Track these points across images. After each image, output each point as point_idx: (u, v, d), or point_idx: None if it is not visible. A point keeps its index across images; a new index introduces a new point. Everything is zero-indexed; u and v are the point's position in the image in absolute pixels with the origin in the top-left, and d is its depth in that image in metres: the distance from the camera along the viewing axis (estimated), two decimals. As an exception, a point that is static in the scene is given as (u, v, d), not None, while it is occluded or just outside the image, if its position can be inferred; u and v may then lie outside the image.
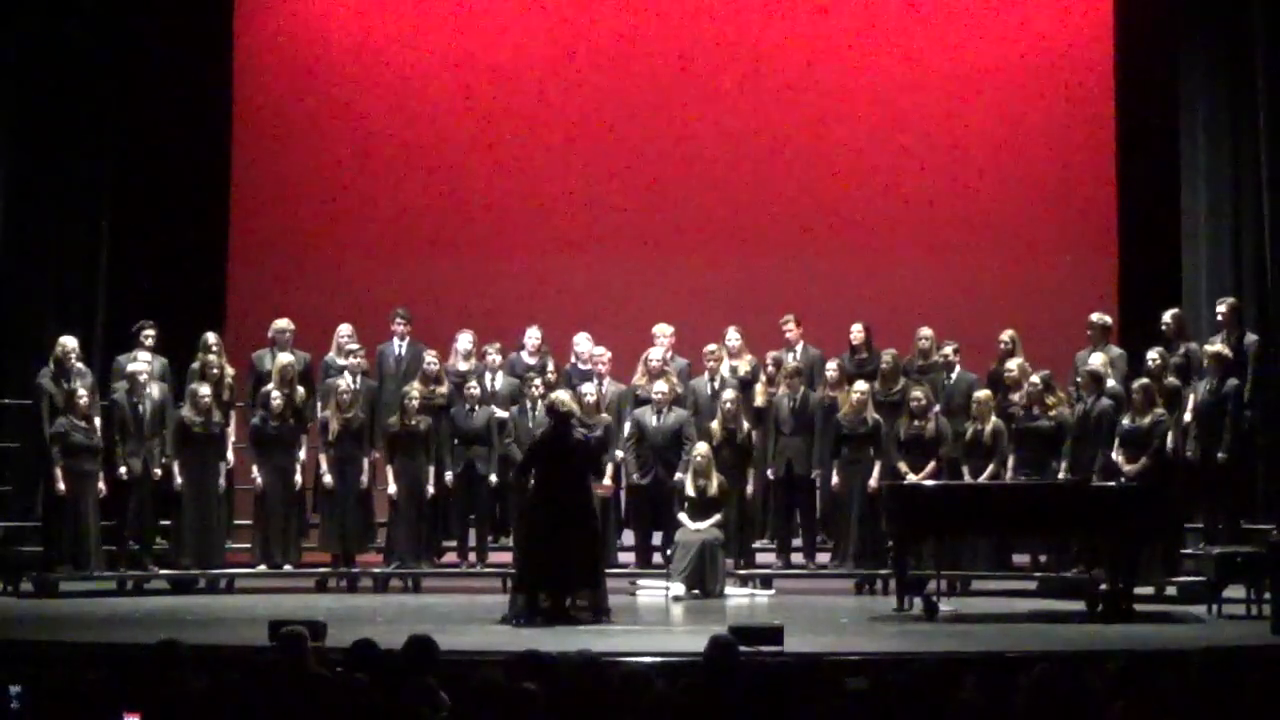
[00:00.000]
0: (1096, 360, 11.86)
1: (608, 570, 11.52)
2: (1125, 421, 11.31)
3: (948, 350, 12.41)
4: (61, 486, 11.64)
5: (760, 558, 12.46)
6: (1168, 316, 12.12)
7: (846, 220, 14.30)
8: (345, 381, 12.30)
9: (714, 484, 11.89)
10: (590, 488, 10.61)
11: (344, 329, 12.64)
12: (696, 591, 11.63)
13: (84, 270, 13.48)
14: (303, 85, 14.49)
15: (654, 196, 14.38)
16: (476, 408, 12.26)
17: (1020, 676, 5.63)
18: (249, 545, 12.38)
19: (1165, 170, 13.48)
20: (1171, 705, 5.56)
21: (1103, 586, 10.82)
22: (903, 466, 11.86)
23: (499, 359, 12.60)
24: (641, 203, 14.39)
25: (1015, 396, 11.91)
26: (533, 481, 10.59)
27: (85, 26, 13.40)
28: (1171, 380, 11.70)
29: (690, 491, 11.92)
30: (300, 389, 12.33)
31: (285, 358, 12.34)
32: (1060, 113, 14.17)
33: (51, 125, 13.29)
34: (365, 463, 12.29)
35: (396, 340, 12.84)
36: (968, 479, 11.70)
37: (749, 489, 12.22)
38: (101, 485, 11.85)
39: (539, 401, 11.96)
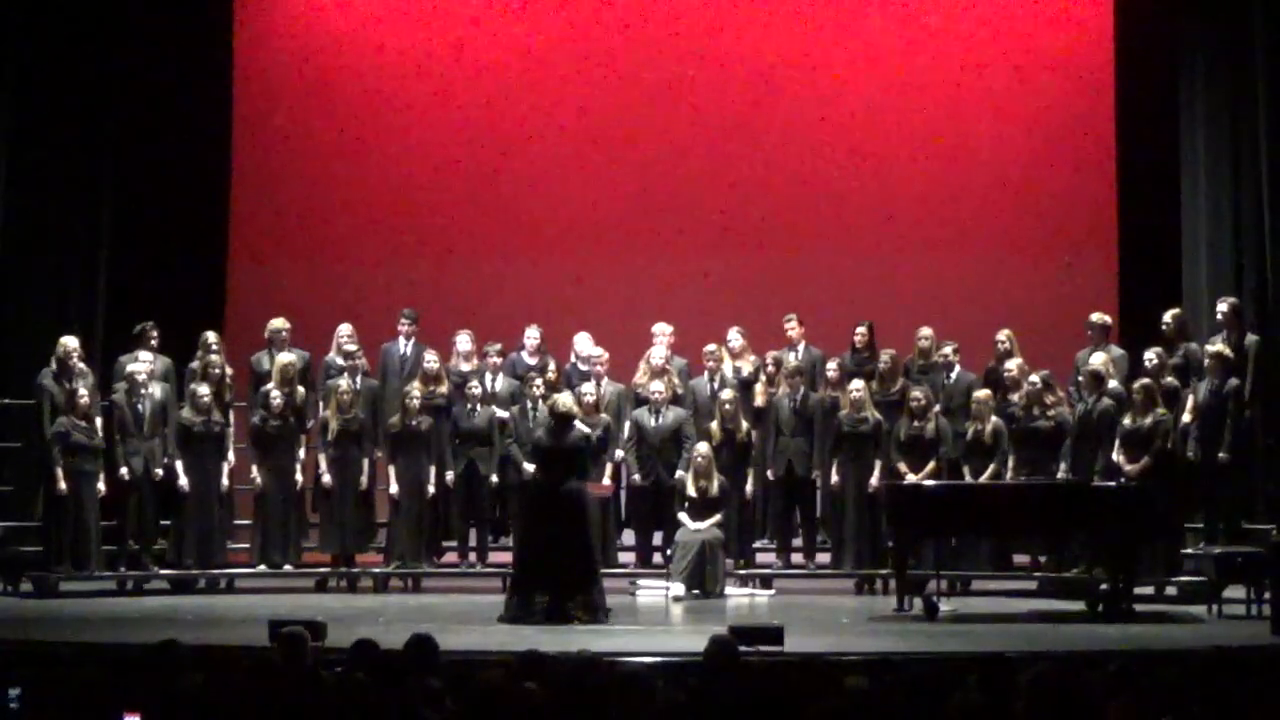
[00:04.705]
0: (1097, 360, 11.86)
1: (608, 570, 11.55)
2: (1126, 421, 11.31)
3: (948, 350, 12.41)
4: (62, 486, 11.64)
5: (760, 558, 12.46)
6: (1168, 316, 12.12)
7: (847, 220, 14.30)
8: (345, 382, 12.31)
9: (714, 485, 11.90)
10: (586, 489, 10.60)
11: (344, 329, 12.64)
12: (696, 591, 11.63)
13: (84, 270, 13.48)
14: (303, 85, 14.49)
15: (654, 196, 14.37)
16: (478, 408, 12.27)
17: (1020, 676, 5.63)
18: (249, 545, 12.39)
19: (1165, 170, 13.48)
20: (1171, 705, 5.55)
21: (1103, 586, 10.83)
22: (903, 466, 11.86)
23: (499, 359, 12.60)
24: (642, 202, 14.38)
25: (1015, 396, 11.91)
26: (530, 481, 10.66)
27: (85, 27, 13.40)
28: (1169, 380, 11.70)
29: (691, 492, 11.92)
30: (300, 389, 12.34)
31: (286, 357, 12.34)
32: (1060, 113, 14.16)
33: (51, 125, 13.30)
34: (365, 463, 12.29)
35: (401, 340, 12.84)
36: (968, 479, 11.70)
37: (749, 489, 12.22)
38: (101, 485, 11.86)
39: (540, 401, 11.97)
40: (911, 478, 11.69)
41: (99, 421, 11.90)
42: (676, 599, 11.53)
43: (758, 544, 12.48)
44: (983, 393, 11.98)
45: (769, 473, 12.25)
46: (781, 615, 10.19)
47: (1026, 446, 11.71)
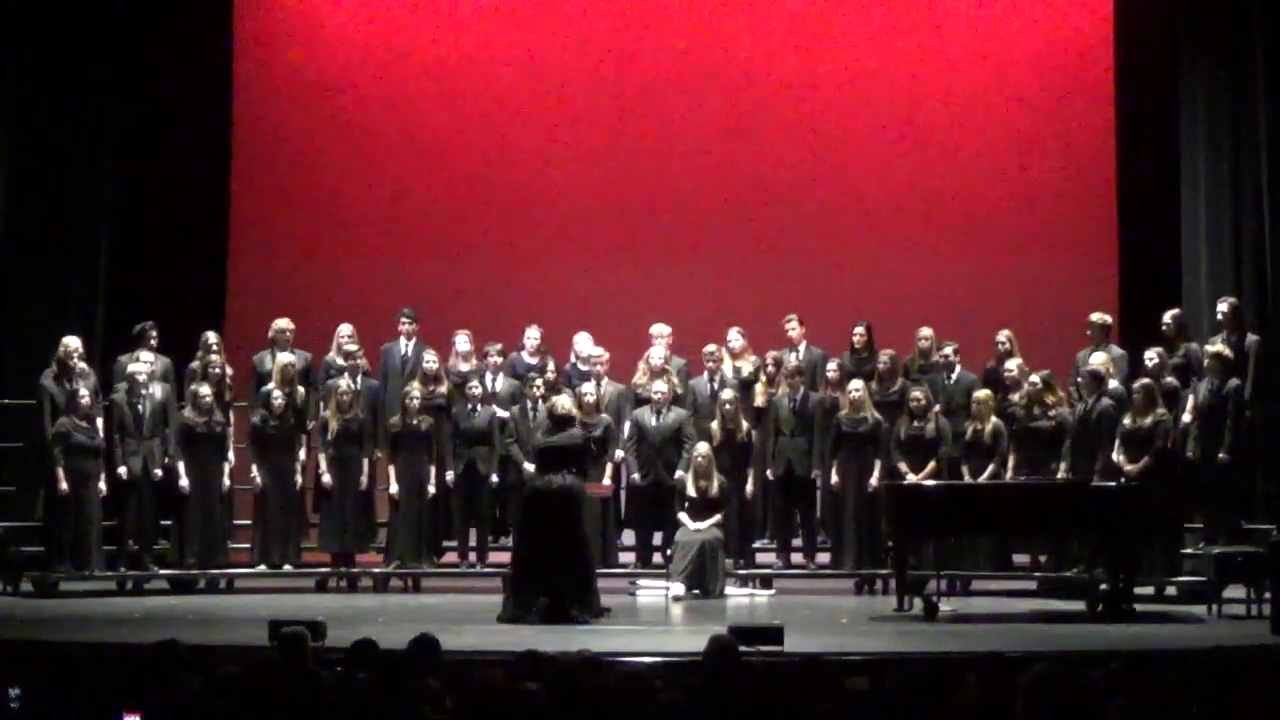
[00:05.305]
0: (1097, 360, 11.86)
1: (608, 570, 11.56)
2: (1126, 421, 11.31)
3: (948, 350, 12.41)
4: (64, 486, 11.64)
5: (760, 558, 12.46)
6: (1168, 317, 12.11)
7: (847, 220, 14.29)
8: (345, 382, 12.31)
9: (714, 485, 11.90)
10: (583, 488, 10.59)
11: (344, 329, 12.64)
12: (696, 591, 11.63)
13: (84, 270, 13.48)
14: (303, 86, 14.49)
15: (654, 197, 14.37)
16: (478, 408, 12.26)
17: (1020, 676, 5.63)
18: (249, 545, 12.39)
19: (1165, 170, 13.48)
20: (1171, 705, 5.55)
21: (1103, 586, 10.83)
22: (903, 466, 11.86)
23: (499, 359, 12.60)
24: (642, 203, 14.39)
25: (1015, 396, 11.91)
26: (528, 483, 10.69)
27: (85, 28, 13.40)
28: (1169, 380, 11.70)
29: (691, 492, 11.92)
30: (300, 389, 12.34)
31: (286, 357, 12.35)
32: (1060, 113, 14.17)
33: (52, 125, 13.30)
34: (365, 463, 12.29)
35: (403, 340, 12.84)
36: (968, 479, 11.69)
37: (749, 489, 12.22)
38: (102, 485, 11.85)
39: (540, 401, 11.97)
40: (912, 478, 11.69)
41: (100, 422, 11.90)
42: (676, 599, 11.53)
43: (758, 544, 12.48)
44: (983, 393, 11.98)
45: (769, 473, 12.24)
46: (781, 615, 10.18)
47: (1026, 446, 11.70)
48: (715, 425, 12.14)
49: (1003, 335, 12.34)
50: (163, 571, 12.18)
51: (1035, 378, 11.80)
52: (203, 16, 14.08)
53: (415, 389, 12.25)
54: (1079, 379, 11.90)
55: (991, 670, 5.89)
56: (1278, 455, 12.12)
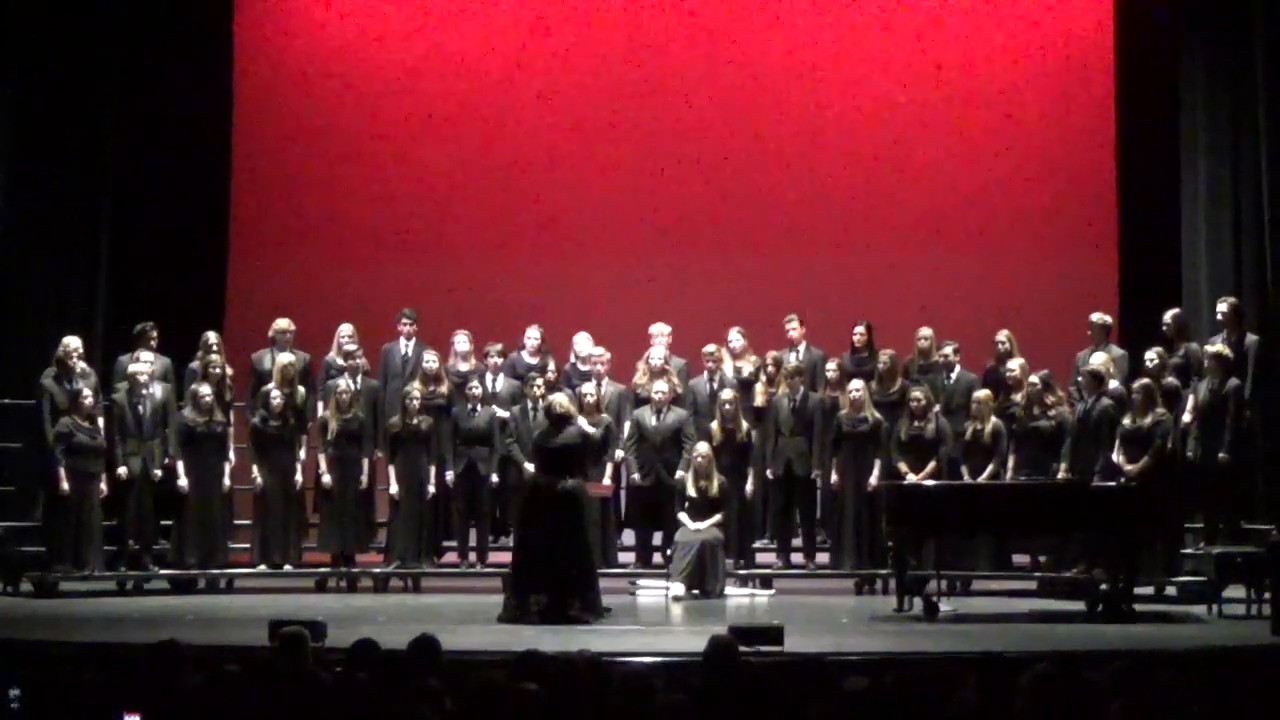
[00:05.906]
0: (1097, 360, 11.85)
1: (608, 570, 11.55)
2: (1126, 422, 11.31)
3: (948, 350, 12.41)
4: (65, 487, 11.64)
5: (760, 558, 12.46)
6: (1168, 317, 12.12)
7: (847, 220, 14.30)
8: (345, 382, 12.31)
9: (714, 485, 11.90)
10: (584, 488, 10.59)
11: (344, 329, 12.64)
12: (696, 591, 11.63)
13: (84, 270, 13.49)
14: (303, 85, 14.50)
15: (655, 197, 14.38)
16: (478, 408, 12.27)
17: (1020, 676, 5.63)
18: (249, 545, 12.39)
19: (1165, 170, 13.48)
20: (1171, 705, 5.56)
21: (1103, 586, 10.84)
22: (903, 466, 11.86)
23: (499, 359, 12.60)
24: (642, 202, 14.39)
25: (1015, 396, 11.91)
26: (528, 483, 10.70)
27: (86, 27, 13.41)
28: (1170, 380, 11.70)
29: (691, 492, 11.92)
30: (300, 389, 12.34)
31: (285, 357, 12.35)
32: (1060, 113, 14.18)
33: (52, 125, 13.31)
34: (365, 463, 12.29)
35: (403, 340, 12.84)
36: (968, 479, 11.69)
37: (749, 489, 12.22)
38: (102, 485, 11.85)
39: (540, 401, 11.97)
40: (912, 478, 11.69)
41: (100, 422, 11.90)
42: (676, 599, 11.54)
43: (758, 544, 12.48)
44: (983, 393, 11.98)
45: (769, 473, 12.24)
46: (781, 615, 10.18)
47: (1026, 446, 11.70)
48: (715, 425, 12.14)
49: (1003, 335, 12.35)
50: (163, 571, 12.18)
51: (1035, 378, 11.80)
52: (203, 16, 14.10)
53: (415, 389, 12.26)
54: (1079, 379, 11.90)
55: (991, 670, 5.87)
56: (1278, 455, 12.11)
